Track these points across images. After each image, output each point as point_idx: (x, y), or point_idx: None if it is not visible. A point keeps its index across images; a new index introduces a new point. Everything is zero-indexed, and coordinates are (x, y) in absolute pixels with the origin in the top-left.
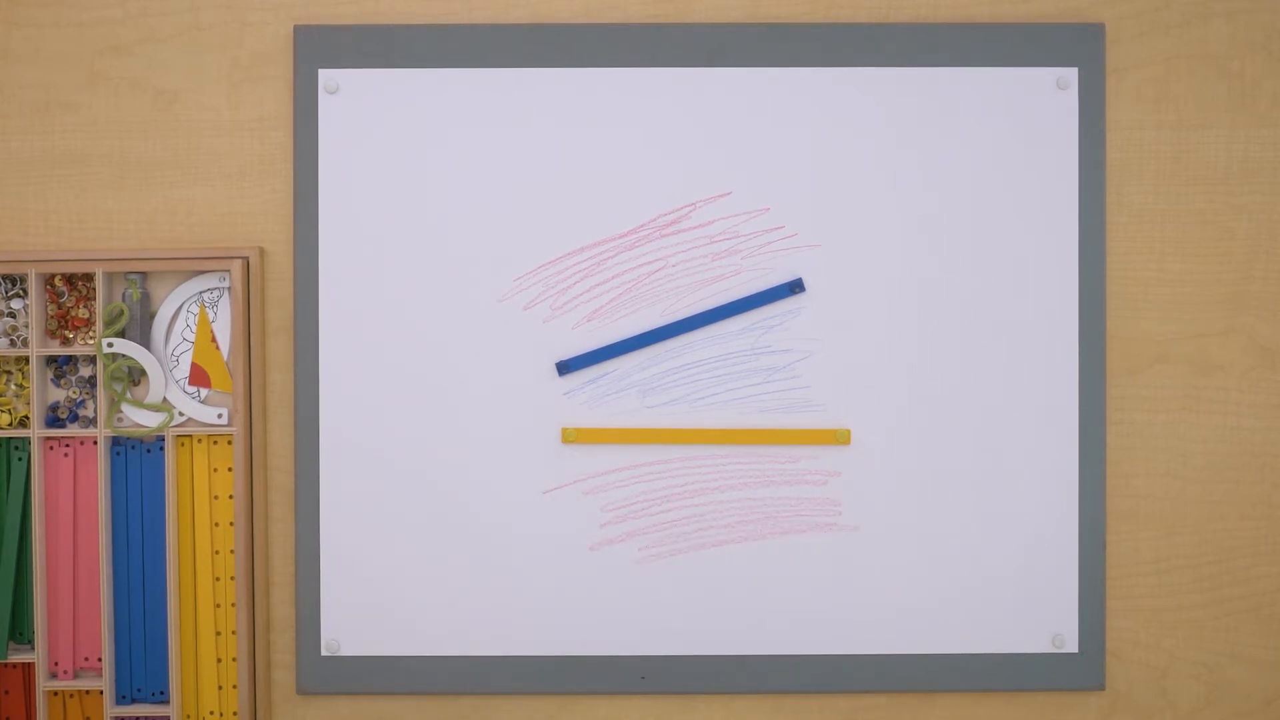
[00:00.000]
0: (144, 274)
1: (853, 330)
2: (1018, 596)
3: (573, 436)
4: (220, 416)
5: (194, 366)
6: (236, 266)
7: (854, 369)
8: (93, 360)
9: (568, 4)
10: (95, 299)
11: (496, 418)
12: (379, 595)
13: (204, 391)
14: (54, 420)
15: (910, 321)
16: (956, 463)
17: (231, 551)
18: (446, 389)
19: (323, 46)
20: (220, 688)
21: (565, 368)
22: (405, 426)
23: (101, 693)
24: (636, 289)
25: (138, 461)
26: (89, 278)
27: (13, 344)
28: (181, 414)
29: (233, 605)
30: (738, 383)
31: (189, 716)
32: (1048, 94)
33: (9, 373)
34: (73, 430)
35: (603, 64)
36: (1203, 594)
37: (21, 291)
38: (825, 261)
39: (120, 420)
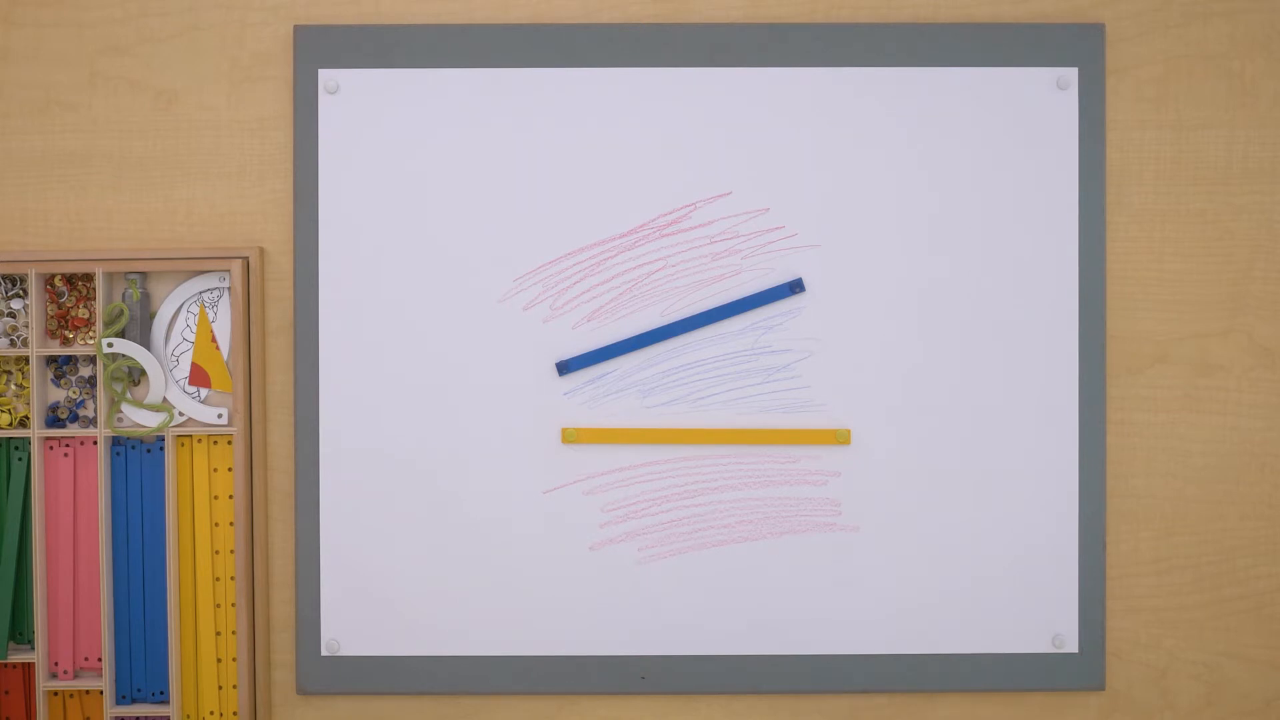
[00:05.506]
0: (144, 274)
1: (853, 330)
2: (1018, 596)
3: (573, 436)
4: (220, 416)
5: (194, 366)
6: (236, 266)
7: (854, 369)
8: (93, 360)
9: (568, 4)
10: (95, 299)
11: (496, 418)
12: (379, 595)
13: (204, 391)
14: (54, 420)
15: (910, 321)
16: (956, 462)
17: (231, 551)
18: (446, 389)
19: (323, 46)
20: (220, 688)
21: (565, 368)
22: (405, 426)
23: (101, 693)
24: (636, 289)
25: (138, 461)
26: (89, 278)
27: (13, 344)
28: (181, 414)
29: (233, 605)
30: (738, 383)
31: (189, 716)
32: (1048, 94)
33: (9, 373)
34: (73, 430)
35: (602, 64)
36: (1203, 594)
37: (21, 291)
38: (825, 261)
39: (120, 420)
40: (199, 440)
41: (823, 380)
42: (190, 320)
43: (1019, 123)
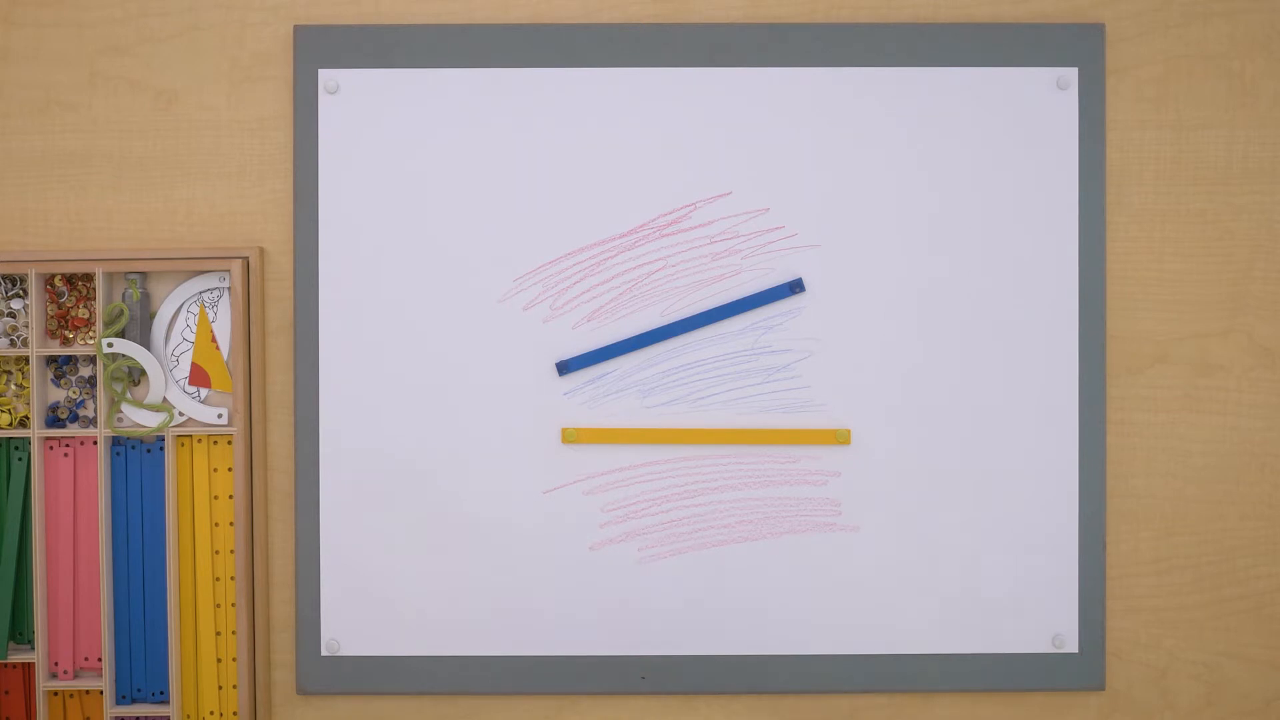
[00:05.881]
0: (144, 274)
1: (853, 330)
2: (1018, 596)
3: (573, 436)
4: (220, 416)
5: (194, 366)
6: (236, 266)
7: (854, 369)
8: (93, 360)
9: (568, 4)
10: (95, 299)
11: (496, 418)
12: (379, 595)
13: (204, 391)
14: (54, 420)
15: (910, 321)
16: (956, 462)
17: (231, 551)
18: (446, 389)
19: (323, 46)
20: (220, 688)
21: (565, 368)
22: (405, 426)
23: (101, 693)
24: (636, 289)
25: (138, 461)
26: (89, 278)
27: (13, 344)
28: (181, 414)
29: (233, 605)
30: (738, 383)
31: (189, 716)
32: (1048, 94)
33: (9, 373)
34: (73, 430)
35: (602, 64)
36: (1203, 594)
37: (21, 291)
38: (825, 261)
39: (120, 420)
40: (199, 440)
41: (823, 380)
42: (190, 320)
43: (1019, 123)
